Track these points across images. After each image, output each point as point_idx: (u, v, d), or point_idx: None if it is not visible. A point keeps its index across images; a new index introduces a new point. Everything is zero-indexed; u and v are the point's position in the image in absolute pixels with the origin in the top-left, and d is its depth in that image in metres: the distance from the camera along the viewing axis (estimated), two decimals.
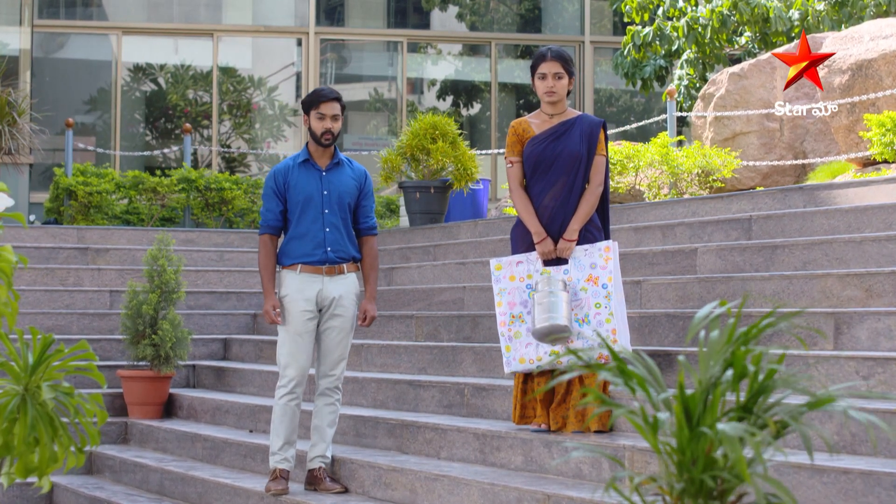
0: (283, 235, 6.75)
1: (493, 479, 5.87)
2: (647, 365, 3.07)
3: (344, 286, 6.64)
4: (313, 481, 6.69)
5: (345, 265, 6.65)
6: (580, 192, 6.23)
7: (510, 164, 6.35)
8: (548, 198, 6.23)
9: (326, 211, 6.61)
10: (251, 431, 8.35)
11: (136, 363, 9.38)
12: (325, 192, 6.62)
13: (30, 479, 6.11)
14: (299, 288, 6.58)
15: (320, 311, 6.64)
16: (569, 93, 6.36)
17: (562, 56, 6.28)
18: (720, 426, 2.86)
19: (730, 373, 3.02)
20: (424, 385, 7.52)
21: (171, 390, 9.58)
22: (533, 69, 6.31)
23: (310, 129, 6.64)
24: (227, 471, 7.78)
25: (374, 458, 6.70)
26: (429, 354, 8.11)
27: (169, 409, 9.52)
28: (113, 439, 9.28)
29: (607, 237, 6.35)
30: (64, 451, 3.65)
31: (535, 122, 6.35)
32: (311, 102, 6.62)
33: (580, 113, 6.36)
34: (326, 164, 6.69)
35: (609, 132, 12.80)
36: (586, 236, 6.20)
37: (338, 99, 6.64)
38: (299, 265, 6.60)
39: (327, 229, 6.60)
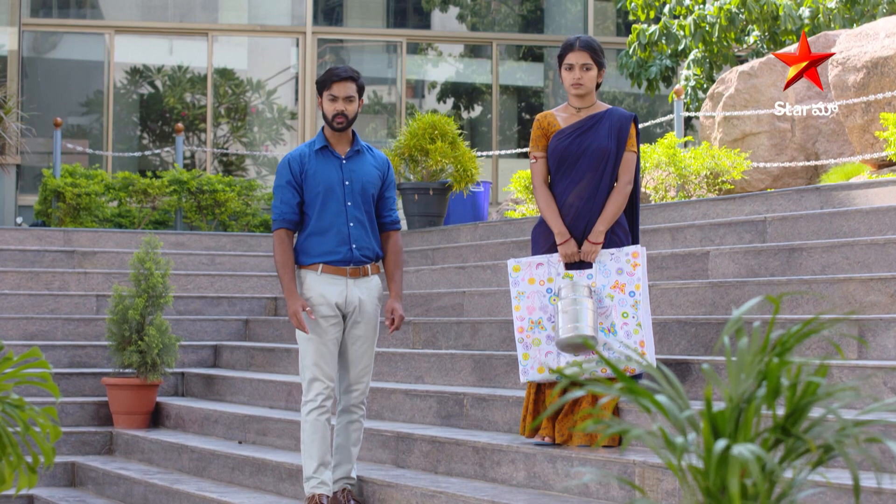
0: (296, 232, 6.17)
1: (494, 496, 5.53)
2: (669, 379, 2.69)
3: (367, 290, 6.05)
4: None
5: (369, 266, 6.05)
6: (607, 191, 5.86)
7: (534, 160, 5.97)
8: (572, 196, 5.85)
9: (349, 203, 5.99)
10: (240, 443, 8.05)
11: (121, 370, 9.06)
12: (347, 183, 6.01)
13: (7, 492, 5.77)
14: (322, 291, 5.97)
15: (344, 316, 6.06)
16: (598, 85, 5.97)
17: (591, 46, 5.89)
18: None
19: (764, 387, 2.65)
20: (421, 395, 7.18)
21: (159, 399, 9.26)
22: (560, 59, 5.93)
23: (323, 112, 6.06)
24: (214, 484, 7.47)
25: (367, 473, 6.35)
26: (426, 362, 7.78)
27: (156, 418, 9.20)
28: (97, 450, 8.98)
29: (636, 241, 5.96)
30: (13, 471, 3.27)
31: (562, 116, 5.98)
32: (324, 83, 6.01)
33: (610, 106, 5.97)
34: (346, 151, 6.08)
35: None
36: (612, 239, 5.83)
37: (353, 78, 6.02)
38: (320, 265, 5.98)
39: (351, 224, 5.99)
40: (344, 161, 6.06)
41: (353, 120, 6.05)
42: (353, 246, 5.99)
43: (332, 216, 5.99)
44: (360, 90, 6.07)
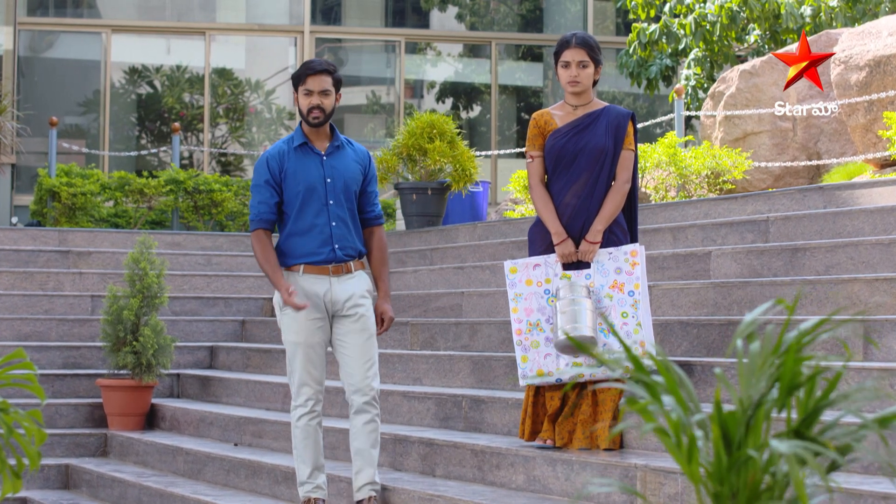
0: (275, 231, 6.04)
1: (493, 500, 5.45)
2: (679, 378, 2.59)
3: (353, 285, 5.89)
4: None
5: (352, 263, 5.89)
6: (605, 190, 5.75)
7: (530, 160, 5.87)
8: (569, 195, 5.74)
9: (331, 202, 5.84)
10: (236, 445, 7.95)
11: (116, 372, 8.96)
12: (329, 181, 5.85)
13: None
14: (305, 292, 5.80)
15: (332, 317, 5.90)
16: (595, 82, 5.86)
17: (587, 43, 5.77)
18: (773, 443, 2.37)
19: (776, 390, 2.55)
20: (419, 396, 7.08)
21: (154, 400, 9.16)
22: (556, 57, 5.82)
23: (298, 107, 5.89)
24: (209, 487, 7.38)
25: None
26: (424, 364, 7.68)
27: (151, 420, 9.10)
28: (91, 452, 8.88)
29: (634, 240, 5.86)
30: None
31: (559, 115, 5.87)
32: (299, 77, 5.85)
33: (607, 104, 5.86)
34: (325, 146, 5.92)
35: None
36: (610, 238, 5.72)
37: (329, 71, 5.85)
38: (302, 266, 5.83)
39: (333, 223, 5.83)
40: (324, 157, 5.91)
41: (330, 115, 5.89)
42: (336, 246, 5.85)
43: (313, 215, 5.85)
44: (337, 84, 5.90)
